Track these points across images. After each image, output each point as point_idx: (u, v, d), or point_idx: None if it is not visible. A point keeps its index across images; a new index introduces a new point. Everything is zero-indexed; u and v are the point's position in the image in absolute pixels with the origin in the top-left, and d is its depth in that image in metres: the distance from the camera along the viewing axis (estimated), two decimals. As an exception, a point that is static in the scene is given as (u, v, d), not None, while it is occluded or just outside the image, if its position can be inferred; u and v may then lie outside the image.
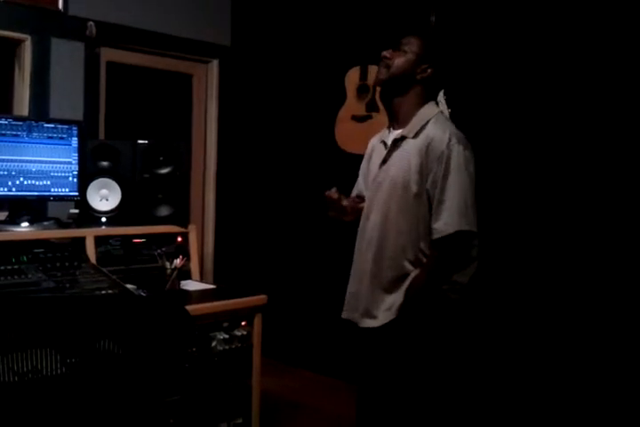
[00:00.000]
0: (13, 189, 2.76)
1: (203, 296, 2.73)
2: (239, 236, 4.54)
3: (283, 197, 4.30)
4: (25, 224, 2.73)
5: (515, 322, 3.02)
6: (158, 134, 4.20)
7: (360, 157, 3.59)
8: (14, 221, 2.73)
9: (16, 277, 2.27)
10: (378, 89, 3.49)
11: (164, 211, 3.09)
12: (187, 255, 2.96)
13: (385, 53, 2.21)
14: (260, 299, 2.74)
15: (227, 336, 2.61)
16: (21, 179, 2.78)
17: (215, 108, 4.50)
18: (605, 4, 2.79)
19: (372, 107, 3.53)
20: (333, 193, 2.35)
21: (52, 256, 2.48)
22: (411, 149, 2.15)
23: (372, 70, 3.53)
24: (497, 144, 3.05)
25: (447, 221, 2.06)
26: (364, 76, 3.55)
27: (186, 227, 3.06)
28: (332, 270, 3.95)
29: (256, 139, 4.47)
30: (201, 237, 4.40)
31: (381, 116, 3.50)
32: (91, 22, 3.71)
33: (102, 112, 3.92)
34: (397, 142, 2.20)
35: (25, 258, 2.42)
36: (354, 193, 2.47)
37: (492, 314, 3.03)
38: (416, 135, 2.15)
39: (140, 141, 3.05)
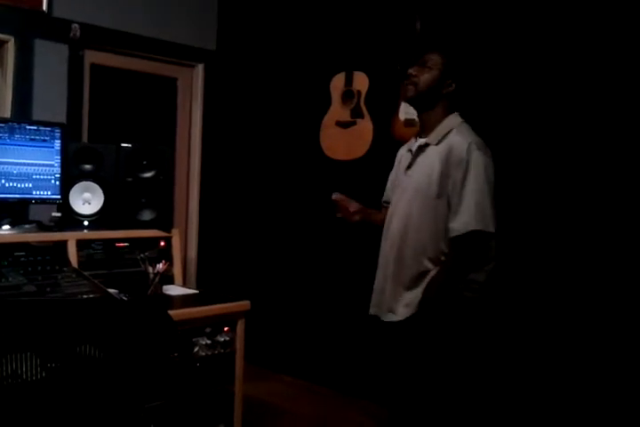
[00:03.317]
0: (-6, 192, 2.73)
1: (185, 301, 2.72)
2: (223, 240, 4.53)
3: (267, 202, 4.30)
4: (6, 227, 2.70)
5: (527, 321, 2.99)
6: (142, 138, 4.18)
7: (345, 163, 3.66)
8: (-5, 223, 2.71)
9: (-4, 280, 2.24)
10: (363, 95, 3.55)
11: (147, 215, 3.08)
12: (169, 260, 2.94)
13: (411, 71, 2.34)
14: (243, 304, 2.73)
15: (209, 342, 2.59)
16: (3, 181, 2.75)
17: (200, 113, 4.49)
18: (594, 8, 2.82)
19: (356, 113, 3.53)
20: (338, 196, 2.56)
21: (33, 260, 2.45)
22: (433, 155, 2.29)
23: (357, 76, 3.55)
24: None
25: (463, 220, 2.18)
26: (348, 82, 3.56)
27: (169, 231, 3.05)
28: (316, 276, 3.97)
29: (240, 143, 4.46)
30: (184, 242, 4.38)
31: (365, 123, 3.52)
32: (75, 24, 3.69)
33: (86, 115, 3.90)
34: (422, 149, 2.35)
35: (5, 262, 2.39)
36: (387, 199, 2.58)
37: (508, 313, 3.01)
38: (439, 142, 2.30)
39: (124, 145, 3.03)
